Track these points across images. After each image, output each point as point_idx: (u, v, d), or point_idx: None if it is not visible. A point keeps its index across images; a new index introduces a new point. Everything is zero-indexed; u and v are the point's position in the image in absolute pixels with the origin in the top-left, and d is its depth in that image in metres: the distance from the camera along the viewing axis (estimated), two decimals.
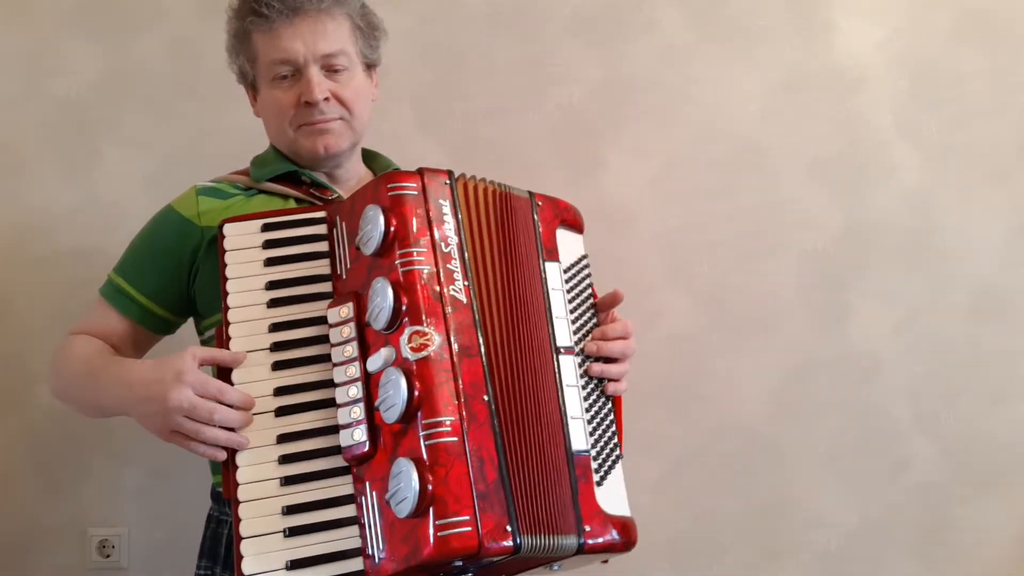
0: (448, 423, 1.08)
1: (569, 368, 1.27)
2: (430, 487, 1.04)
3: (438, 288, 1.15)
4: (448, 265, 1.17)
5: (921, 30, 2.05)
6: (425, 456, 1.07)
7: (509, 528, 1.07)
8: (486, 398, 1.13)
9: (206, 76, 1.91)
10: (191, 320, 1.46)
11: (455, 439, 1.08)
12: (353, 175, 1.47)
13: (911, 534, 2.01)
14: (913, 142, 2.04)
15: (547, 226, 1.34)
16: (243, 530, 1.10)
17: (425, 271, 1.15)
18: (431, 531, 1.04)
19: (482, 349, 1.15)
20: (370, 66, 1.45)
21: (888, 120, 2.04)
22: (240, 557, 1.09)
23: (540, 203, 1.35)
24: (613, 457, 1.28)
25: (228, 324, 1.19)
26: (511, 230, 1.28)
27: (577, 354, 1.29)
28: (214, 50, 1.90)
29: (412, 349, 1.11)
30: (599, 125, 1.99)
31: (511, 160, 1.95)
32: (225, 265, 1.22)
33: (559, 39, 1.98)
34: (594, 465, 1.23)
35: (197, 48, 1.91)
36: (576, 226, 1.42)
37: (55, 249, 1.88)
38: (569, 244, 1.38)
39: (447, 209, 1.21)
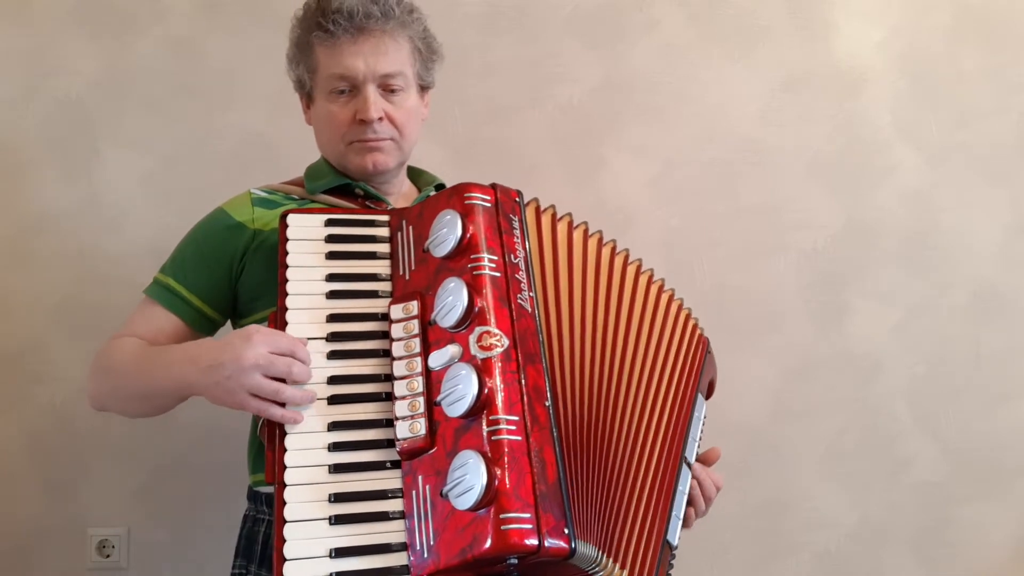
0: (512, 422, 1.10)
1: (685, 479, 1.35)
2: (496, 481, 1.05)
3: (506, 295, 1.18)
4: (516, 275, 1.21)
5: (921, 30, 2.05)
6: (489, 452, 1.08)
7: (567, 531, 1.08)
8: (547, 404, 1.15)
9: (206, 76, 1.91)
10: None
11: (519, 438, 1.09)
12: (397, 190, 1.50)
13: (911, 534, 2.02)
14: (913, 142, 2.04)
15: (708, 372, 1.47)
16: (287, 514, 1.09)
17: (495, 277, 1.19)
18: (492, 525, 1.04)
19: (544, 357, 1.18)
20: (424, 88, 1.49)
21: (888, 120, 2.04)
22: (283, 541, 1.08)
23: (710, 352, 1.48)
24: (672, 566, 1.35)
25: (286, 310, 1.20)
26: (619, 284, 1.36)
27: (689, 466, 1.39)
28: (214, 50, 1.92)
29: (481, 348, 1.13)
30: (599, 125, 1.99)
31: (511, 160, 1.95)
32: (287, 253, 1.23)
33: (559, 39, 1.99)
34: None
35: (197, 48, 1.91)
36: (713, 387, 1.53)
37: (55, 249, 1.88)
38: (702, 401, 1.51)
39: (516, 224, 1.26)
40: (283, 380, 1.16)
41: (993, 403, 2.04)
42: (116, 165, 1.89)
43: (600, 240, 1.38)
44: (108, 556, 1.86)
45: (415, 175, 1.57)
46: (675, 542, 1.30)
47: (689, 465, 1.37)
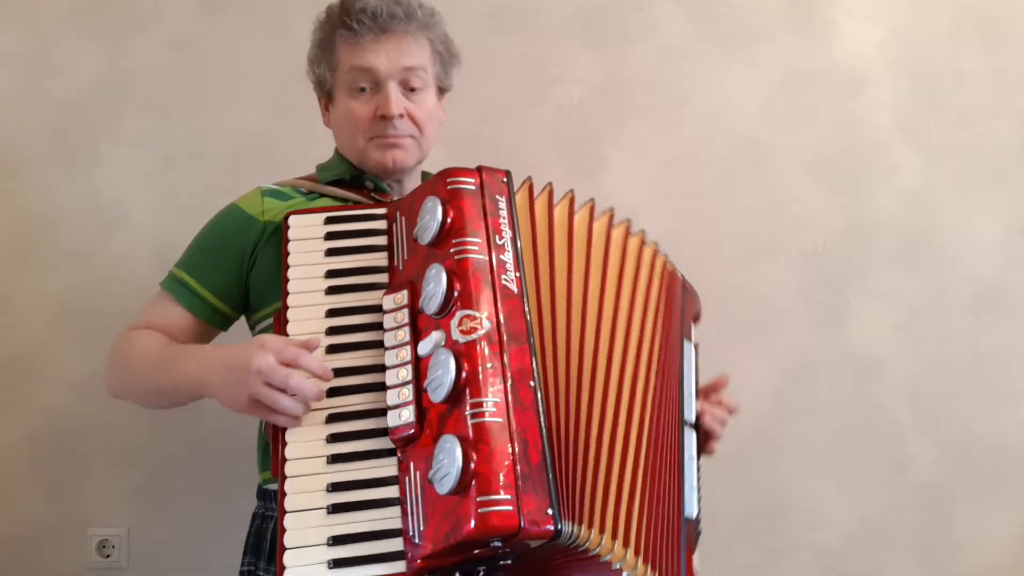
0: (493, 404, 1.10)
1: (691, 442, 1.35)
2: (473, 464, 1.05)
3: (489, 276, 1.18)
4: (501, 256, 1.20)
5: (921, 30, 2.05)
6: (471, 435, 1.08)
7: (550, 512, 1.07)
8: (532, 384, 1.15)
9: (206, 76, 1.91)
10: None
11: (499, 420, 1.09)
12: (409, 189, 1.50)
13: (911, 534, 2.01)
14: (913, 142, 2.04)
15: (688, 308, 1.46)
16: (287, 504, 1.12)
17: (478, 260, 1.18)
18: (472, 508, 1.04)
19: (531, 338, 1.18)
20: (442, 90, 1.51)
21: (888, 120, 2.04)
22: (283, 530, 1.10)
23: (687, 288, 1.47)
24: (701, 527, 1.36)
25: (287, 308, 1.23)
26: (620, 263, 1.35)
27: (694, 427, 1.39)
28: (214, 50, 1.92)
29: (462, 332, 1.13)
30: (599, 125, 1.99)
31: (511, 160, 1.92)
32: (288, 254, 1.26)
33: (559, 39, 1.99)
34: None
35: (197, 48, 1.91)
36: (698, 317, 1.52)
37: (55, 249, 1.87)
38: (693, 331, 1.49)
39: (503, 205, 1.25)
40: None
41: (993, 403, 2.03)
42: (116, 165, 1.89)
43: (610, 219, 1.37)
44: (108, 556, 1.86)
45: (424, 177, 1.58)
46: (695, 514, 1.29)
47: (692, 426, 1.36)
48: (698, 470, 1.38)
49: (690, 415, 1.37)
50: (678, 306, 1.42)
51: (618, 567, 1.18)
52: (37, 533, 1.85)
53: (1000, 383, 2.04)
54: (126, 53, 1.90)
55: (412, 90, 1.43)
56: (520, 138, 1.96)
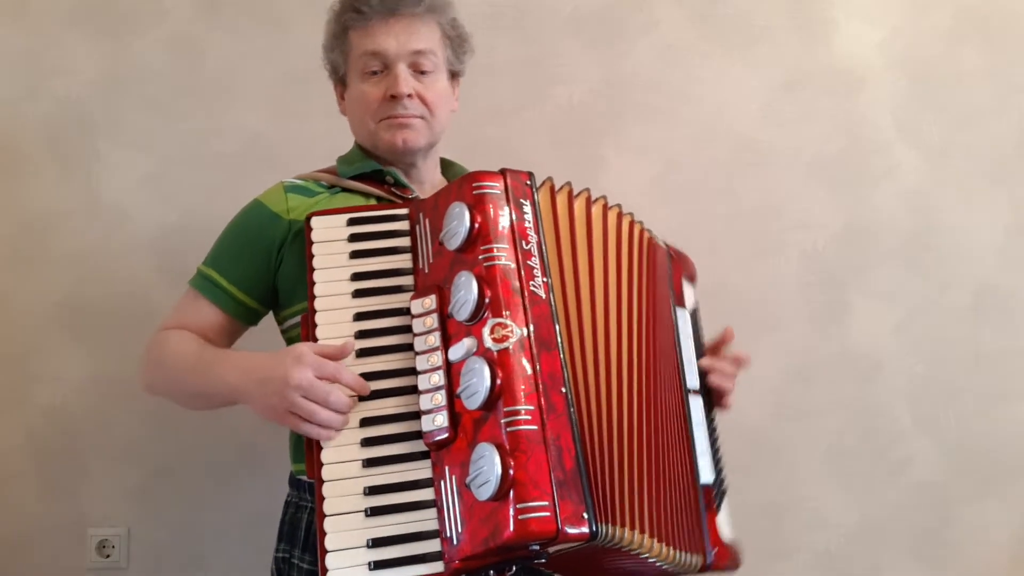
0: (528, 412, 1.12)
1: (697, 408, 1.37)
2: (511, 472, 1.07)
3: (518, 283, 1.19)
4: (528, 262, 1.21)
5: (921, 30, 2.05)
6: (506, 442, 1.10)
7: (586, 515, 1.09)
8: (564, 390, 1.16)
9: (206, 76, 1.91)
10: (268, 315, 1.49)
11: (535, 427, 1.11)
12: (428, 178, 1.51)
13: (911, 534, 2.01)
14: (913, 142, 2.04)
15: (676, 274, 1.46)
16: (326, 509, 1.14)
17: (507, 266, 1.19)
18: (511, 514, 1.06)
19: (560, 343, 1.19)
20: (454, 75, 1.52)
21: (888, 120, 2.04)
22: (323, 534, 1.13)
23: (672, 255, 1.47)
24: (725, 485, 1.38)
25: (315, 312, 1.24)
26: (629, 258, 1.36)
27: (701, 394, 1.40)
28: (214, 50, 1.92)
29: (494, 340, 1.14)
30: (599, 125, 1.99)
31: (512, 160, 1.92)
32: (312, 256, 1.26)
33: (559, 39, 1.99)
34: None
35: (197, 48, 1.91)
36: (693, 277, 1.53)
37: (55, 249, 1.88)
38: (689, 293, 1.49)
39: (528, 209, 1.25)
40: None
41: (993, 403, 2.03)
42: (116, 165, 1.89)
43: (619, 214, 1.38)
44: (108, 556, 1.86)
45: (446, 166, 1.58)
46: (710, 480, 1.32)
47: (696, 391, 1.37)
48: (713, 431, 1.39)
49: (693, 382, 1.38)
50: (665, 278, 1.42)
51: (652, 561, 1.21)
52: (37, 533, 1.85)
53: (1000, 383, 2.04)
54: (126, 53, 1.90)
55: (423, 73, 1.44)
56: (520, 139, 1.96)
